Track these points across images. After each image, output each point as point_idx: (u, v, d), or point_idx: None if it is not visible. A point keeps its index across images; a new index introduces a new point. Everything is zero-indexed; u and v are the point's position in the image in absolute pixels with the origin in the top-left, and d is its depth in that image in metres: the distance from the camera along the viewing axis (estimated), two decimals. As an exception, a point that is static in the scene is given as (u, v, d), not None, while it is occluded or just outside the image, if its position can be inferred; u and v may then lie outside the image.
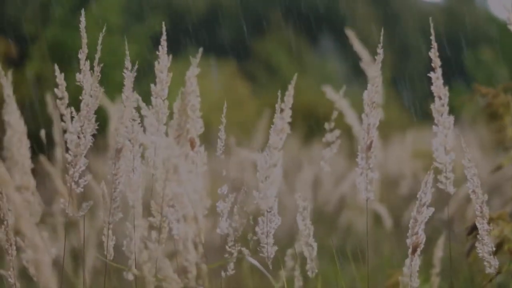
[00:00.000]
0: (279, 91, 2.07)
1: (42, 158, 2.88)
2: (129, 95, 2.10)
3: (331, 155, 2.40)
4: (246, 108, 12.16)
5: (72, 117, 2.07)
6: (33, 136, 2.60)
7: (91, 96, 2.04)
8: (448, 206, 2.26)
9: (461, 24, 17.83)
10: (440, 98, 2.04)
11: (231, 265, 2.07)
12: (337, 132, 2.42)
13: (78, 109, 2.07)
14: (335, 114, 2.48)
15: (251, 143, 6.19)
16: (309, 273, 2.22)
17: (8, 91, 2.52)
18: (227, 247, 2.07)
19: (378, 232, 4.34)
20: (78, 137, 2.03)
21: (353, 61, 3.76)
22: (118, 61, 2.14)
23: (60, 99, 2.13)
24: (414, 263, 1.97)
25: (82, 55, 2.05)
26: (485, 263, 1.98)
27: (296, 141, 7.26)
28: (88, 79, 2.05)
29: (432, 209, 1.95)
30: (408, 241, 1.96)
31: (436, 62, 2.04)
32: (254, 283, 3.40)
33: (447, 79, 2.07)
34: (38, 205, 2.55)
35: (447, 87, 2.05)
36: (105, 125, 2.15)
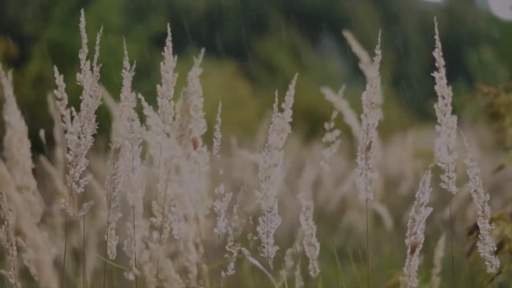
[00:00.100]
0: (276, 91, 2.07)
1: (42, 158, 2.88)
2: (128, 95, 2.10)
3: (331, 155, 2.40)
4: (247, 108, 12.16)
5: (72, 117, 2.07)
6: (33, 136, 2.60)
7: (91, 96, 2.04)
8: (450, 206, 2.26)
9: (462, 24, 17.84)
10: (443, 97, 2.04)
11: (231, 265, 2.07)
12: (337, 132, 2.42)
13: (79, 109, 2.07)
14: (335, 114, 2.48)
15: (252, 143, 6.19)
16: (311, 273, 2.22)
17: (9, 91, 2.52)
18: (227, 247, 2.07)
19: (378, 232, 4.34)
20: (79, 137, 2.03)
21: (354, 61, 3.76)
22: (118, 61, 2.14)
23: (60, 100, 2.13)
24: (413, 263, 1.97)
25: (82, 55, 2.05)
26: (487, 263, 1.98)
27: (297, 141, 7.26)
28: (88, 79, 2.05)
29: (430, 209, 1.95)
30: (407, 241, 1.96)
31: (440, 61, 2.04)
32: (255, 283, 3.40)
33: (448, 79, 2.07)
34: (39, 205, 2.55)
35: (450, 87, 2.05)
36: (106, 125, 2.15)
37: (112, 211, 2.07)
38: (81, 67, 2.06)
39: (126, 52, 2.12)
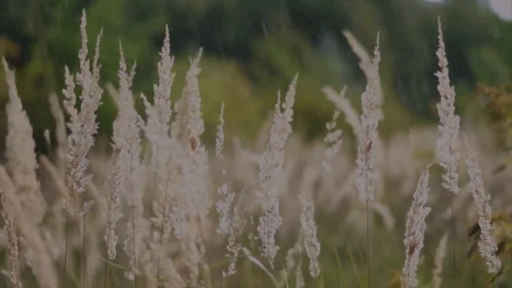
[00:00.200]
0: (279, 91, 2.07)
1: (43, 159, 2.88)
2: (126, 95, 2.10)
3: (332, 155, 2.40)
4: (247, 108, 12.16)
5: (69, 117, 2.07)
6: (34, 136, 2.60)
7: (90, 97, 2.04)
8: (452, 206, 2.26)
9: (463, 23, 17.84)
10: (446, 97, 2.04)
11: (232, 265, 2.07)
12: (338, 132, 2.42)
13: (79, 109, 2.07)
14: (336, 114, 2.48)
15: (252, 143, 6.19)
16: (311, 273, 2.22)
17: (13, 91, 2.52)
18: (228, 247, 2.07)
19: (379, 232, 4.34)
20: (79, 137, 2.03)
21: (354, 61, 3.76)
22: (118, 61, 2.14)
23: (68, 99, 2.12)
24: (412, 263, 1.97)
25: (82, 55, 2.05)
26: (488, 263, 1.98)
27: (298, 141, 7.26)
28: (87, 79, 2.05)
29: (428, 209, 1.95)
30: (406, 241, 1.96)
31: (443, 61, 2.04)
32: (256, 283, 3.40)
33: (449, 79, 2.07)
34: (40, 205, 2.55)
35: (453, 87, 2.05)
36: (106, 125, 2.15)
37: (113, 211, 2.07)
38: (80, 67, 2.06)
39: (122, 53, 2.12)
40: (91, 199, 2.10)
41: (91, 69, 2.06)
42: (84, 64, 2.06)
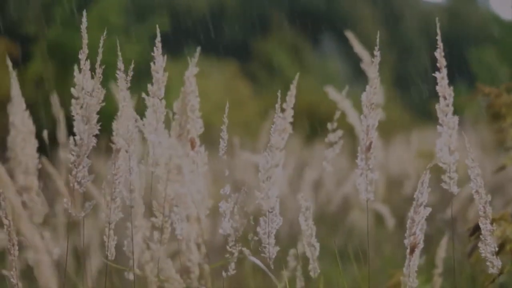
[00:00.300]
0: (279, 91, 2.07)
1: (44, 159, 2.88)
2: (125, 95, 2.10)
3: (333, 156, 2.40)
4: (247, 108, 12.16)
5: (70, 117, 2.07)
6: (34, 136, 2.60)
7: (92, 96, 2.04)
8: (452, 206, 2.25)
9: (463, 23, 17.83)
10: (445, 98, 2.04)
11: (232, 265, 2.07)
12: (339, 133, 2.42)
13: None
14: (337, 115, 2.48)
15: (252, 144, 6.19)
16: (311, 274, 2.22)
17: (15, 90, 2.52)
18: (228, 247, 2.07)
19: (380, 232, 4.34)
20: (81, 138, 2.03)
21: (355, 61, 3.76)
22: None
23: (77, 99, 2.12)
24: (412, 263, 1.97)
25: (82, 55, 2.05)
26: (488, 263, 1.97)
27: (298, 141, 7.26)
28: (88, 79, 2.05)
29: (429, 209, 1.95)
30: (406, 241, 1.96)
31: (442, 62, 2.04)
32: (256, 283, 3.40)
33: (450, 79, 2.06)
34: (41, 205, 2.55)
35: (452, 87, 2.05)
36: (108, 126, 2.15)
37: (113, 212, 2.07)
38: (81, 67, 2.06)
39: (119, 53, 2.12)
40: (92, 199, 2.10)
41: (91, 69, 2.06)
42: (85, 65, 2.06)
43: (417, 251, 1.96)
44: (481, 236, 1.98)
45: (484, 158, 5.30)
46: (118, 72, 2.10)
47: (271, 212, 2.01)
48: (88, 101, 2.03)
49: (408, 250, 1.95)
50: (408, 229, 1.95)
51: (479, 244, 1.98)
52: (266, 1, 18.17)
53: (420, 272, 2.02)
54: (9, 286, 2.05)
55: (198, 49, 2.34)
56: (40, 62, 9.27)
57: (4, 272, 2.21)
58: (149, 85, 2.15)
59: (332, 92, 3.30)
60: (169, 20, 11.55)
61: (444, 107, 2.04)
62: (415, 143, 6.23)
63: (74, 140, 2.03)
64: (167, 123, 2.26)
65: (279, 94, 2.06)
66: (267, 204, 2.01)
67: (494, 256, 1.97)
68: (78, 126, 2.03)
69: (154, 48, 2.15)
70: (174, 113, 2.30)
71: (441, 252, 2.72)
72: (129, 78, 2.10)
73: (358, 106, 2.27)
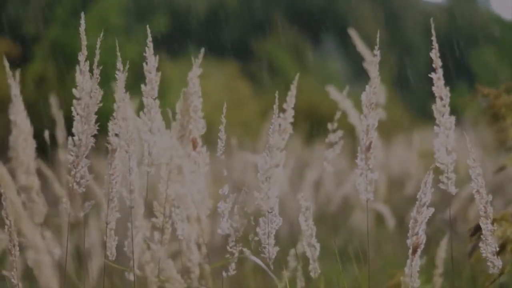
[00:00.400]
0: (277, 92, 2.07)
1: (40, 161, 2.88)
2: (123, 96, 2.10)
3: (334, 156, 2.40)
4: (248, 108, 12.16)
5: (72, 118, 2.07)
6: (35, 136, 2.60)
7: (90, 97, 2.04)
8: (450, 206, 2.25)
9: (463, 24, 17.83)
10: (441, 98, 2.04)
11: (233, 266, 2.07)
12: (340, 133, 2.42)
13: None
14: (338, 115, 2.47)
15: (253, 144, 6.19)
16: (311, 274, 2.22)
17: (16, 90, 2.52)
18: (228, 247, 2.07)
19: (381, 232, 4.34)
20: (79, 138, 2.04)
21: (355, 61, 3.76)
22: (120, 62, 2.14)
23: (78, 99, 2.12)
24: (414, 263, 1.97)
25: (81, 57, 2.05)
26: (489, 263, 1.97)
27: (299, 141, 7.26)
28: (87, 80, 2.05)
29: (432, 209, 1.95)
30: (409, 241, 1.96)
31: (437, 62, 2.04)
32: (257, 283, 3.40)
33: (450, 79, 2.06)
34: (42, 205, 2.55)
35: (448, 88, 2.04)
36: (107, 126, 2.15)
37: (111, 211, 2.07)
38: (80, 68, 2.06)
39: (118, 54, 2.12)
40: (94, 200, 2.11)
41: (90, 70, 2.06)
42: (84, 65, 2.06)
43: (419, 251, 1.96)
44: (482, 236, 1.98)
45: (484, 158, 5.30)
46: (117, 72, 2.10)
47: (270, 212, 2.01)
48: (87, 101, 2.03)
49: (410, 250, 1.95)
50: (410, 229, 1.95)
51: (480, 244, 1.98)
52: (266, 1, 18.17)
53: (420, 273, 2.02)
54: (10, 287, 2.05)
55: (202, 50, 2.34)
56: (40, 62, 9.27)
57: (5, 272, 2.21)
58: (142, 85, 2.15)
59: (333, 92, 3.30)
60: (169, 20, 11.55)
61: (440, 107, 2.04)
62: (416, 143, 6.23)
63: (73, 140, 2.03)
64: (168, 123, 2.26)
65: (276, 95, 2.06)
66: (267, 204, 2.01)
67: (495, 256, 1.97)
68: (76, 127, 2.04)
69: (146, 48, 2.15)
70: (174, 113, 2.30)
71: (442, 252, 2.72)
72: (124, 78, 2.10)
73: (358, 106, 2.27)
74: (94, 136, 2.04)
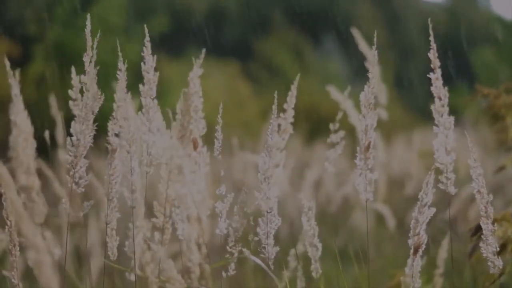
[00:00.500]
0: (276, 92, 2.07)
1: (40, 160, 2.88)
2: (124, 95, 2.11)
3: (335, 156, 2.40)
4: (248, 108, 12.16)
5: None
6: (35, 137, 2.60)
7: (88, 97, 2.04)
8: (450, 207, 2.25)
9: (464, 24, 17.82)
10: (440, 98, 2.04)
11: (232, 266, 2.07)
12: (341, 133, 2.41)
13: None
14: (340, 115, 2.47)
15: (254, 144, 6.19)
16: (313, 274, 2.22)
17: (16, 90, 2.52)
18: (227, 247, 2.07)
19: (381, 232, 4.34)
20: (77, 138, 2.04)
21: (355, 61, 3.76)
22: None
23: (74, 100, 2.12)
24: (415, 263, 1.97)
25: (86, 58, 2.05)
26: (489, 263, 1.97)
27: (299, 141, 7.26)
28: (92, 80, 2.06)
29: (433, 210, 1.95)
30: (410, 241, 1.96)
31: (435, 62, 2.04)
32: (257, 283, 3.40)
33: (450, 79, 2.06)
34: (42, 205, 2.55)
35: (447, 88, 2.04)
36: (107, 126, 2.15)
37: (111, 211, 2.07)
38: (85, 69, 2.06)
39: (120, 54, 2.12)
40: (95, 200, 2.11)
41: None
42: (89, 66, 2.06)
43: (420, 251, 1.96)
44: (482, 236, 1.98)
45: (485, 158, 5.30)
46: (118, 72, 2.10)
47: (270, 212, 2.01)
48: (86, 101, 2.04)
49: (411, 250, 1.95)
50: (412, 229, 1.95)
51: (481, 244, 1.98)
52: (266, 1, 18.17)
53: (421, 273, 2.02)
54: (10, 287, 2.05)
55: (203, 50, 2.34)
56: (40, 62, 9.27)
57: (5, 272, 2.21)
58: (140, 85, 2.15)
59: (334, 92, 3.30)
60: (169, 20, 11.56)
61: (439, 107, 2.04)
62: (416, 143, 6.23)
63: (71, 140, 2.03)
64: (168, 124, 2.26)
65: (275, 95, 2.06)
66: (266, 204, 2.01)
67: (496, 256, 1.97)
68: (74, 127, 2.04)
69: (144, 48, 2.15)
70: (175, 114, 2.30)
71: (443, 252, 2.72)
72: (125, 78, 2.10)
73: (358, 106, 2.27)
74: (94, 136, 2.05)
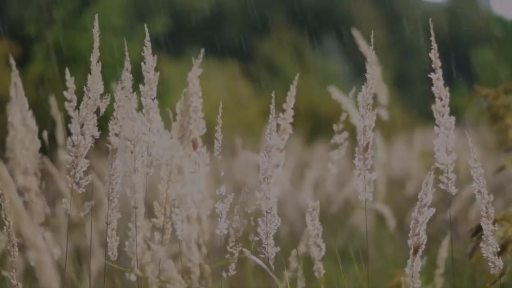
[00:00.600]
0: (273, 92, 2.06)
1: (45, 160, 2.88)
2: (129, 95, 2.10)
3: (339, 157, 2.40)
4: (248, 108, 12.16)
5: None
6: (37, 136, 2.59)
7: (89, 97, 2.04)
8: (450, 206, 2.25)
9: (464, 24, 17.83)
10: (441, 99, 2.04)
11: (233, 266, 2.07)
12: (345, 134, 2.41)
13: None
14: (343, 116, 2.47)
15: (254, 144, 6.18)
16: (316, 274, 2.22)
17: (18, 90, 2.52)
18: (228, 247, 2.07)
19: (381, 232, 4.34)
20: (78, 139, 2.03)
21: (355, 61, 3.76)
22: (120, 62, 2.14)
23: (69, 101, 2.12)
24: (415, 263, 1.97)
25: (93, 58, 2.05)
26: (490, 263, 1.97)
27: (299, 141, 7.26)
28: (98, 81, 2.05)
29: (433, 210, 1.95)
30: (410, 242, 1.96)
31: (436, 63, 2.04)
32: (257, 283, 3.40)
33: (450, 80, 2.06)
34: (42, 206, 2.55)
35: (447, 88, 2.04)
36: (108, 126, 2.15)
37: (111, 212, 2.07)
38: (91, 69, 2.05)
39: (127, 53, 2.11)
40: (96, 200, 2.11)
41: (89, 70, 2.06)
42: (96, 67, 2.05)
43: (420, 252, 1.96)
44: (483, 237, 1.98)
45: (485, 158, 5.29)
46: (124, 72, 2.10)
47: (269, 213, 2.01)
48: (86, 101, 2.03)
49: (411, 251, 1.95)
50: (412, 229, 1.95)
51: (481, 245, 1.98)
52: (266, 1, 18.17)
53: (421, 273, 2.02)
54: (10, 287, 2.05)
55: (202, 50, 2.34)
56: (40, 62, 9.26)
57: (4, 273, 2.21)
58: (140, 86, 2.15)
59: (335, 93, 3.30)
60: (169, 21, 11.56)
61: (440, 107, 2.04)
62: (417, 143, 6.22)
63: (72, 140, 2.03)
64: (168, 123, 2.26)
65: (273, 95, 2.06)
66: (266, 204, 2.01)
67: (496, 257, 1.97)
68: (75, 127, 2.03)
69: (144, 48, 2.15)
70: (174, 114, 2.30)
71: (443, 252, 2.72)
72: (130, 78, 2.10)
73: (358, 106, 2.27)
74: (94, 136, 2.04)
